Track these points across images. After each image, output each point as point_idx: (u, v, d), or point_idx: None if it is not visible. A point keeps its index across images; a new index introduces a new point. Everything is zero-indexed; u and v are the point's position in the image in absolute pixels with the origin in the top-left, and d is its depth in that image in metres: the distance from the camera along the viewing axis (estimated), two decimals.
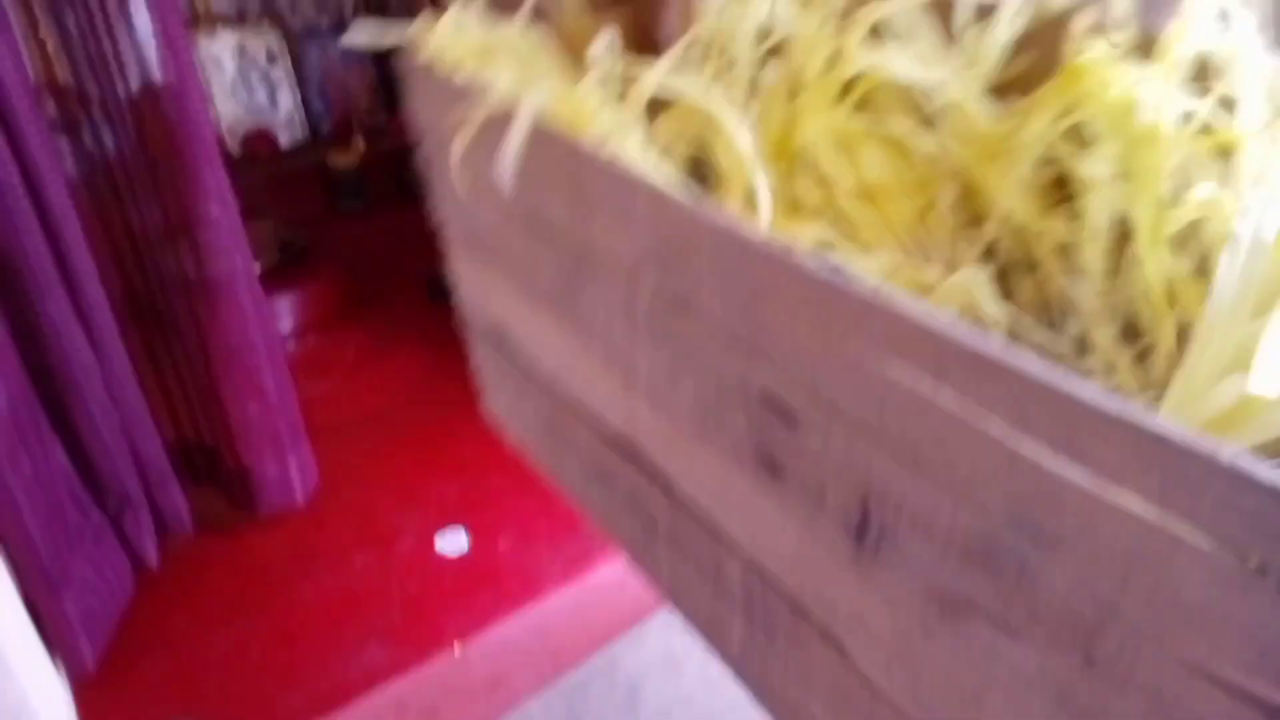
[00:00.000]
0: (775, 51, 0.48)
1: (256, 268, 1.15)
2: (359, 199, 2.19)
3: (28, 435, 0.95)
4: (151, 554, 1.15)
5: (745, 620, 0.48)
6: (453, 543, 1.25)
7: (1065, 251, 0.40)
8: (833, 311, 0.33)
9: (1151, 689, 0.26)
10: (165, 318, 1.15)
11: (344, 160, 2.16)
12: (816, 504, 0.38)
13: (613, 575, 1.22)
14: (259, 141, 2.20)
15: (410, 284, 1.98)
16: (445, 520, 1.28)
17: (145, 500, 1.14)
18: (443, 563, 1.22)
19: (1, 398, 0.90)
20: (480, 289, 0.68)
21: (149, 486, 1.15)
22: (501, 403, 0.72)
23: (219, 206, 1.04)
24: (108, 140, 1.03)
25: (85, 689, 1.00)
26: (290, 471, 1.21)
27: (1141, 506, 0.24)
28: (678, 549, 0.53)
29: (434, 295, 1.95)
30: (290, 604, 1.15)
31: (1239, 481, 0.22)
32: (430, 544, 1.25)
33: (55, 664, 0.97)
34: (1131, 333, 0.39)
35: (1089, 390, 0.25)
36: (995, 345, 0.28)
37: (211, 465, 1.22)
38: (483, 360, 0.71)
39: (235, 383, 1.15)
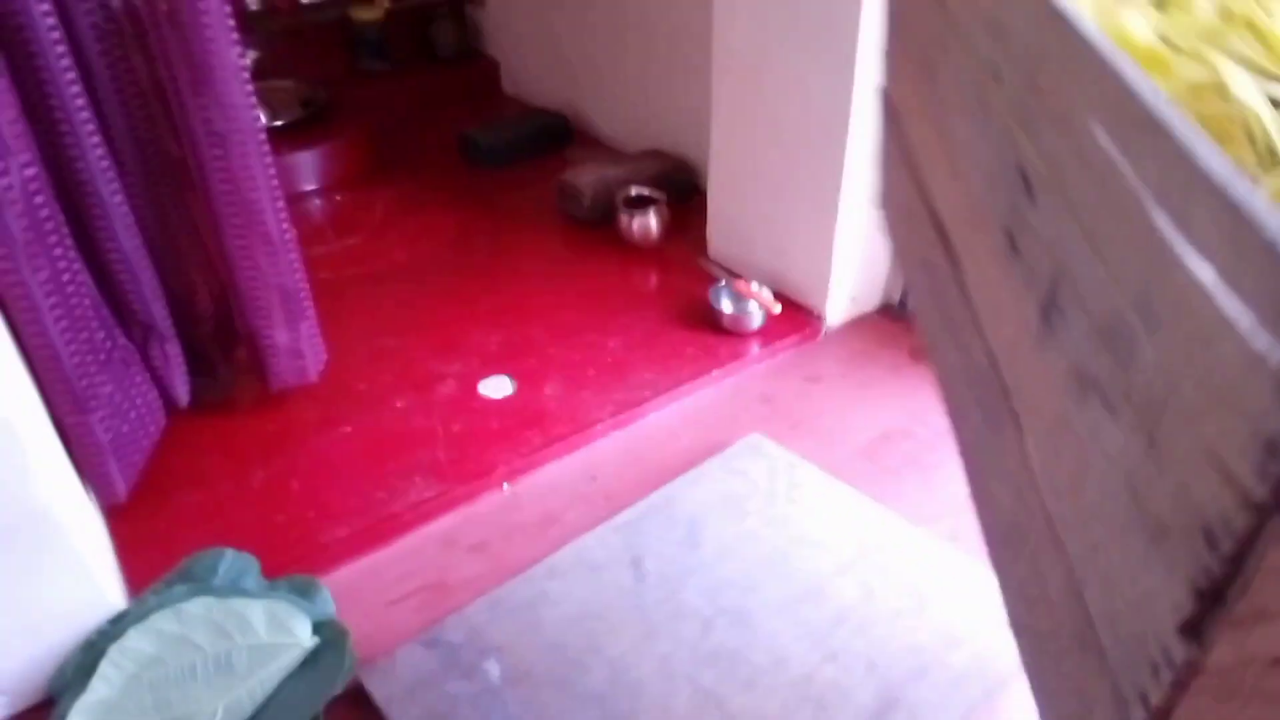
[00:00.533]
0: None
1: (263, 122, 1.03)
2: (382, 59, 2.07)
3: (49, 239, 0.88)
4: (182, 391, 1.09)
5: (979, 409, 0.50)
6: (496, 387, 1.19)
7: None
8: (1069, 71, 0.34)
9: (1179, 476, 0.27)
10: (182, 171, 1.06)
11: (367, 14, 2.03)
12: (1029, 282, 0.39)
13: (665, 421, 1.16)
14: None
15: (439, 144, 1.88)
16: (488, 370, 1.22)
17: (175, 336, 1.07)
18: (487, 404, 1.16)
19: (15, 183, 0.82)
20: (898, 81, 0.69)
21: (179, 326, 1.08)
22: (889, 199, 0.75)
23: (230, 59, 0.94)
24: None
25: (118, 517, 0.96)
26: (301, 343, 1.13)
27: (1213, 280, 0.24)
28: (955, 339, 0.54)
29: (465, 154, 1.86)
30: (330, 443, 1.10)
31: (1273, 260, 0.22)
32: (473, 389, 1.19)
33: (86, 489, 0.93)
34: None
35: (1211, 158, 0.25)
36: (1159, 103, 0.28)
37: (231, 329, 1.14)
38: (884, 148, 0.75)
39: (252, 248, 1.06)
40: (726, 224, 1.44)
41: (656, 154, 1.69)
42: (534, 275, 1.46)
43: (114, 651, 0.79)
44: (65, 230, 0.91)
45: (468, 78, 2.13)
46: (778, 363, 1.27)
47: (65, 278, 0.90)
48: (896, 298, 1.38)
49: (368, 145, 1.82)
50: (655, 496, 1.03)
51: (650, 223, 1.49)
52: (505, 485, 1.06)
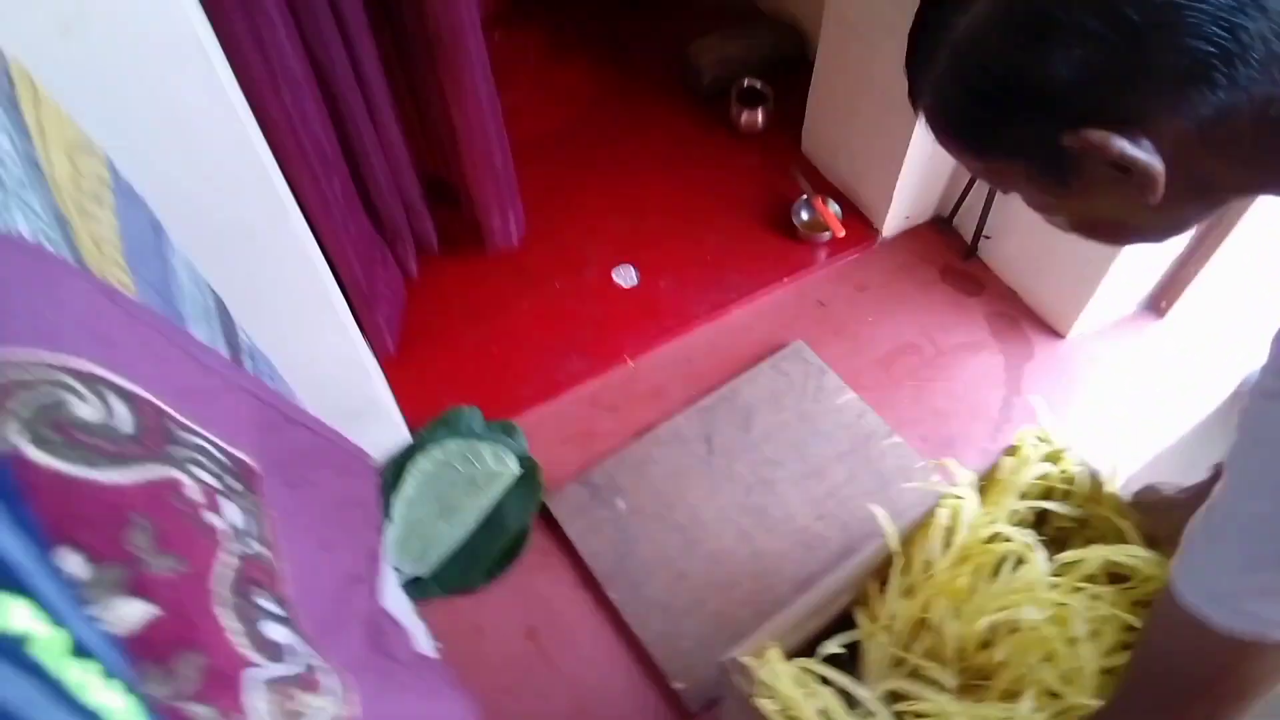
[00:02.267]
0: None
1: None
2: None
3: (332, 163, 1.28)
4: (413, 268, 1.57)
5: None
6: (625, 276, 1.64)
7: None
8: None
9: None
10: (412, 70, 1.40)
11: None
12: None
13: (743, 318, 1.61)
14: None
15: None
16: (619, 257, 1.65)
17: (408, 227, 1.53)
18: (619, 292, 1.62)
19: (317, 123, 1.21)
20: None
21: (410, 216, 1.52)
22: None
23: None
24: None
25: (389, 368, 1.50)
26: (509, 224, 1.57)
27: None
28: None
29: None
30: (515, 314, 1.59)
31: None
32: (609, 276, 1.64)
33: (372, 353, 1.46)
34: None
35: None
36: None
37: (453, 201, 1.57)
38: None
39: (472, 145, 1.44)
40: (818, 128, 1.74)
41: (772, 23, 1.90)
42: (657, 155, 1.81)
43: (411, 468, 1.38)
44: (339, 154, 1.30)
45: None
46: (836, 270, 1.67)
47: (346, 195, 1.33)
48: (946, 211, 1.71)
49: None
50: (724, 389, 1.52)
51: (758, 117, 1.78)
52: (630, 361, 1.56)
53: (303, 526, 0.53)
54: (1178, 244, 1.47)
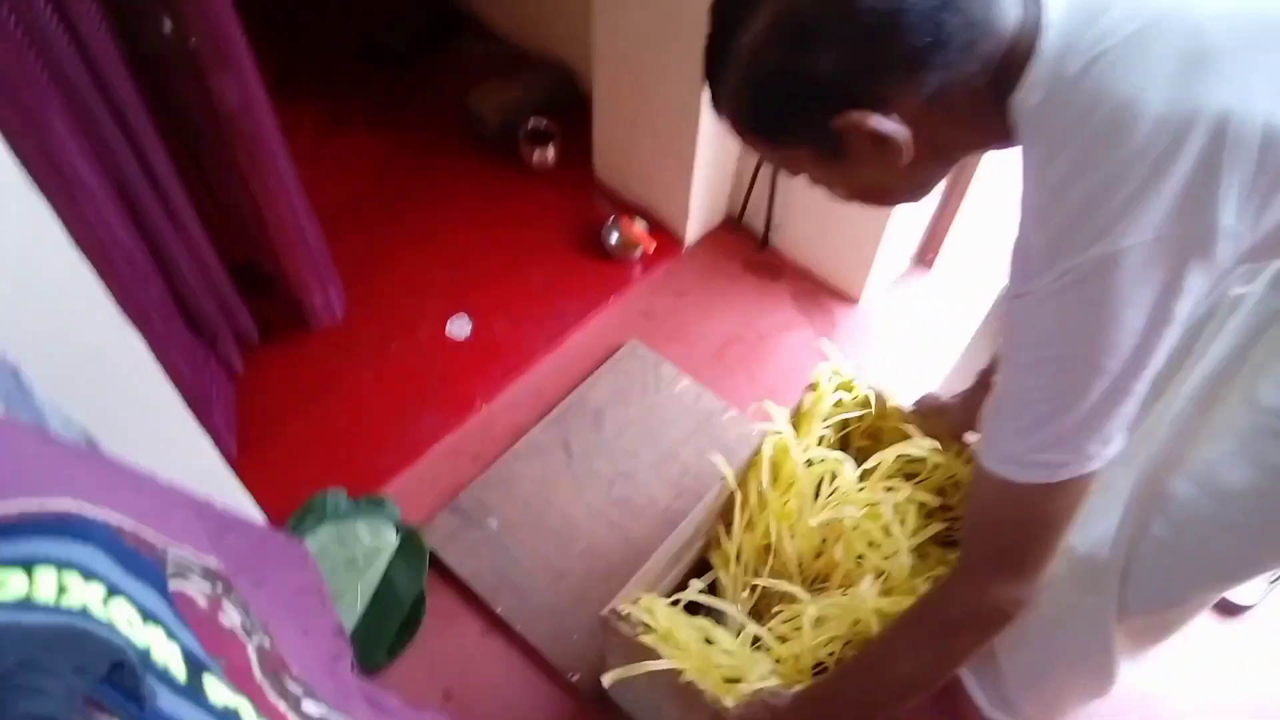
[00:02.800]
0: None
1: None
2: None
3: (144, 273, 1.22)
4: (238, 364, 1.51)
5: None
6: (460, 326, 1.67)
7: None
8: None
9: None
10: (205, 161, 1.36)
11: None
12: None
13: (580, 341, 1.69)
14: None
15: (341, 47, 2.07)
16: (450, 308, 1.68)
17: (225, 324, 1.47)
18: (456, 343, 1.65)
19: (123, 235, 1.15)
20: None
21: (225, 313, 1.47)
22: None
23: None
24: None
25: (236, 470, 1.43)
26: (330, 299, 1.55)
27: None
28: None
29: (371, 59, 2.05)
30: (356, 387, 1.57)
31: None
32: (443, 329, 1.66)
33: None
34: None
35: None
36: None
37: (268, 287, 1.53)
38: None
39: (280, 223, 1.42)
40: (608, 156, 1.85)
41: (544, 66, 1.99)
42: (461, 205, 1.85)
43: None
44: (150, 264, 1.25)
45: None
46: (654, 281, 1.79)
47: (159, 301, 1.27)
48: (737, 211, 1.87)
49: (273, 53, 1.99)
50: (572, 396, 1.59)
51: (549, 154, 1.87)
52: (483, 406, 1.59)
53: (279, 617, 0.55)
54: (930, 204, 1.71)
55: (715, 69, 0.67)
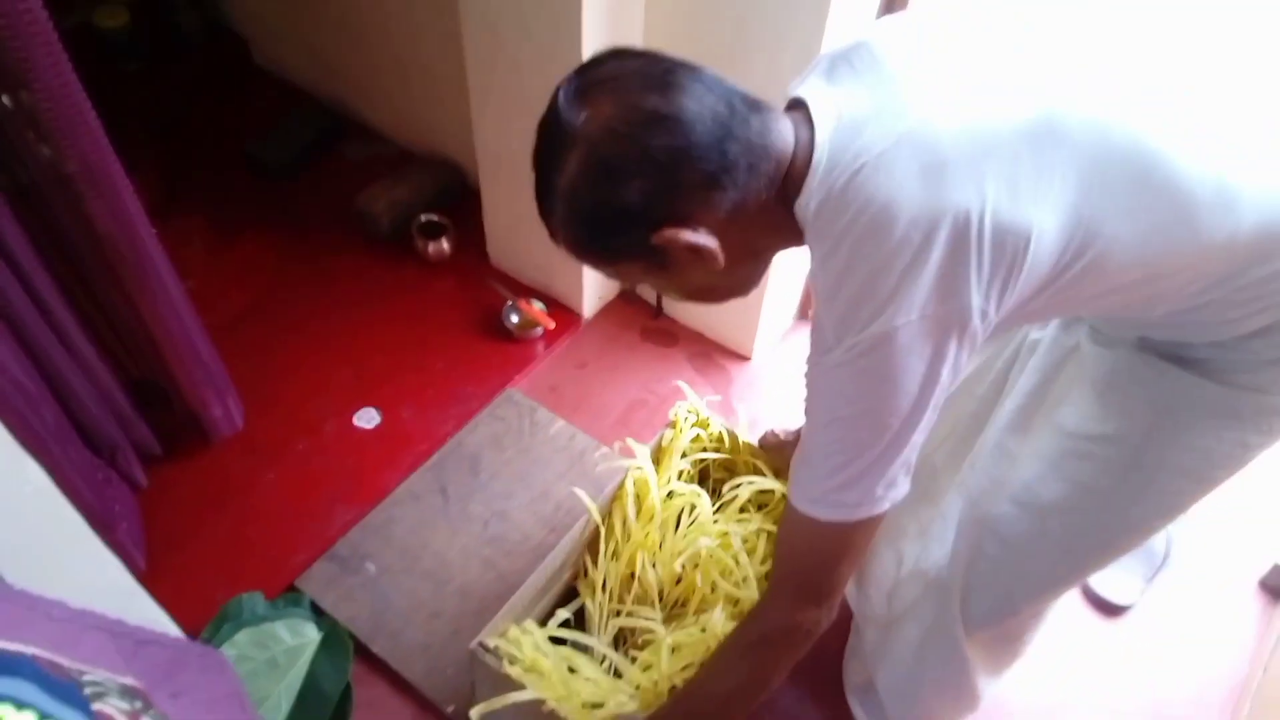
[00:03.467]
0: None
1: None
2: (134, 57, 2.18)
3: (37, 401, 1.22)
4: (141, 478, 1.50)
5: None
6: (367, 418, 1.69)
7: None
8: None
9: None
10: (91, 281, 1.37)
11: (111, 21, 2.10)
12: None
13: (465, 400, 1.73)
14: None
15: (226, 161, 2.11)
16: (355, 403, 1.70)
17: (125, 439, 1.46)
18: (364, 434, 1.67)
19: (13, 366, 1.15)
20: None
21: (124, 428, 1.46)
22: None
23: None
24: None
25: (147, 584, 1.41)
26: (229, 410, 1.56)
27: None
28: None
29: (256, 170, 2.10)
30: (262, 491, 1.57)
31: None
32: (350, 423, 1.68)
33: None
34: None
35: None
36: None
37: (165, 401, 1.53)
38: None
39: (170, 339, 1.44)
40: (501, 243, 1.93)
41: (431, 163, 2.08)
42: (359, 303, 1.89)
43: None
44: (44, 388, 1.25)
45: (220, 58, 2.29)
46: (555, 356, 1.86)
47: (54, 425, 1.27)
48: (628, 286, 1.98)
49: (157, 172, 2.03)
50: (450, 443, 1.66)
51: (444, 246, 1.94)
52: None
53: None
54: (804, 267, 1.84)
55: (544, 206, 0.77)
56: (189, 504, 1.54)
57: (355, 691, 1.34)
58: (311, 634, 1.39)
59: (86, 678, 0.49)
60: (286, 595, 1.44)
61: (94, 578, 1.15)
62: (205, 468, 1.59)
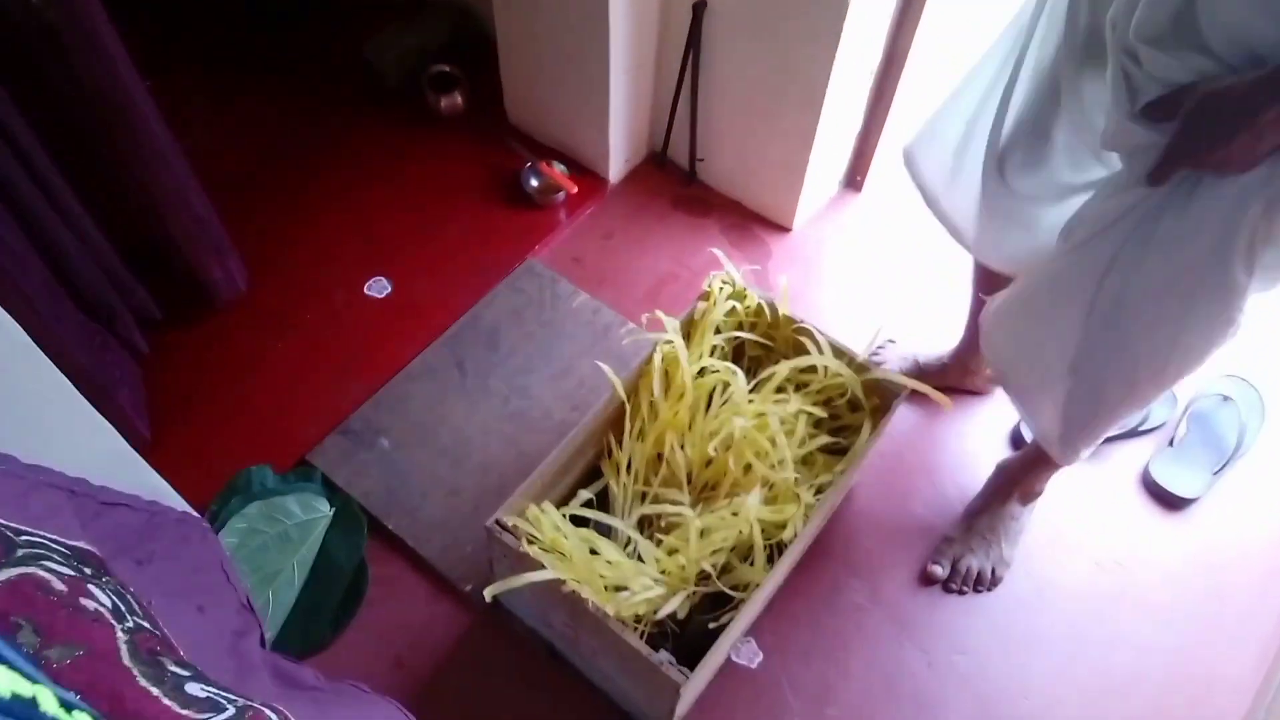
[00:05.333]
0: None
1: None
2: None
3: (21, 257, 1.12)
4: (141, 344, 1.42)
5: None
6: (378, 288, 1.59)
7: None
8: None
9: None
10: (82, 138, 1.26)
11: None
12: None
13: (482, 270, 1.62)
14: None
15: (226, 12, 1.94)
16: (366, 273, 1.60)
17: (122, 303, 1.37)
18: (376, 304, 1.57)
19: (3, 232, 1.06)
20: None
21: (121, 293, 1.37)
22: None
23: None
24: None
25: (150, 455, 1.35)
26: (230, 272, 1.46)
27: None
28: None
29: (257, 21, 1.93)
30: (273, 360, 1.49)
31: None
32: (361, 292, 1.58)
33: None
34: None
35: None
36: None
37: (165, 264, 1.43)
38: None
39: (165, 199, 1.32)
40: (519, 98, 1.77)
41: (442, 8, 1.89)
42: (367, 162, 1.76)
43: None
44: (27, 247, 1.16)
45: None
46: (579, 225, 1.73)
47: (42, 287, 1.18)
48: (659, 146, 1.82)
49: (156, 29, 1.86)
50: (466, 316, 1.55)
51: (457, 100, 1.78)
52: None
53: (169, 596, 0.50)
54: (853, 126, 1.68)
55: None
56: (194, 373, 1.46)
57: (370, 569, 1.29)
58: (324, 509, 1.33)
59: (24, 537, 0.41)
60: (297, 469, 1.37)
61: (87, 445, 1.08)
62: (210, 336, 1.50)
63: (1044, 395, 1.06)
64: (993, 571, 1.33)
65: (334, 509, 1.33)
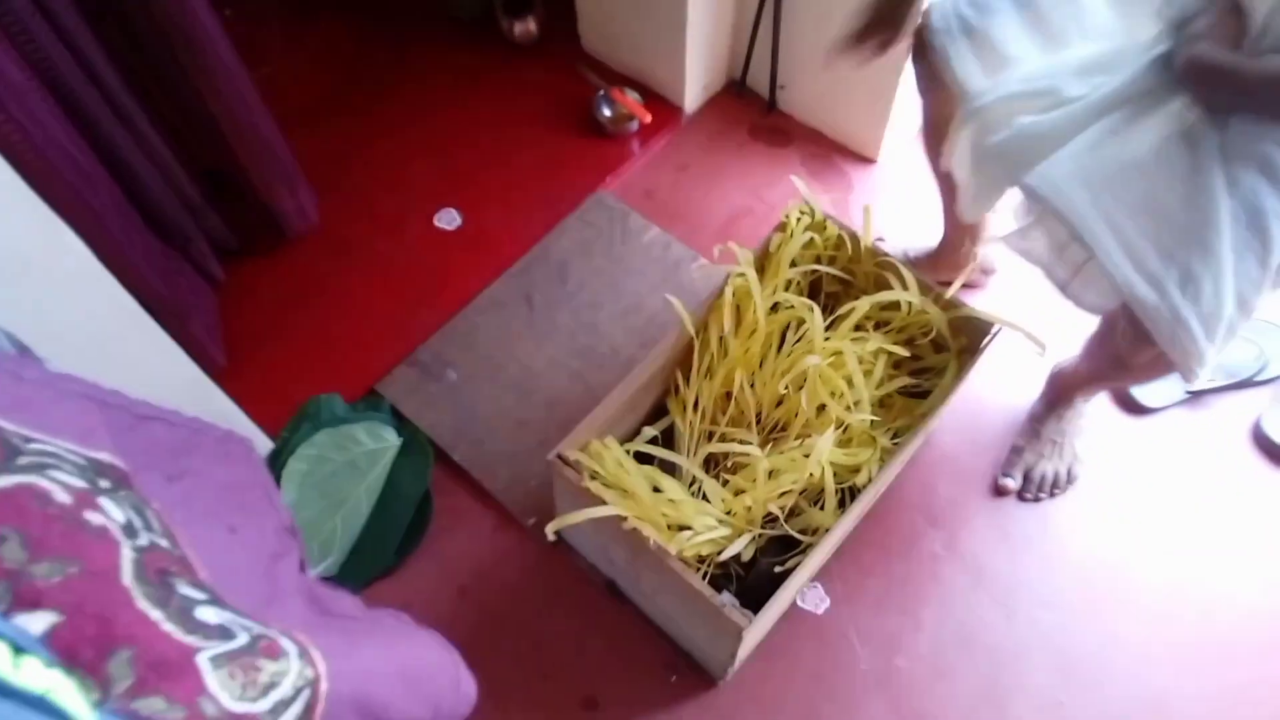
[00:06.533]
0: None
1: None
2: None
3: (91, 176, 1.13)
4: (217, 271, 1.43)
5: None
6: (448, 220, 1.57)
7: None
8: None
9: None
10: (154, 64, 1.26)
11: None
12: None
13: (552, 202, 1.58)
14: None
15: None
16: (435, 203, 1.57)
17: (197, 228, 1.39)
18: (446, 236, 1.55)
19: (59, 134, 1.06)
20: None
21: (196, 218, 1.38)
22: None
23: None
24: None
25: (225, 381, 1.37)
26: (301, 202, 1.45)
27: None
28: None
29: None
30: (344, 289, 1.49)
31: None
32: (431, 224, 1.56)
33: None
34: None
35: None
36: None
37: (237, 193, 1.44)
38: None
39: (235, 129, 1.32)
40: (594, 23, 1.70)
41: None
42: (439, 90, 1.72)
43: (285, 472, 1.28)
44: (102, 173, 1.17)
45: None
46: (652, 156, 1.66)
47: (115, 211, 1.18)
48: (738, 73, 1.73)
49: None
50: (535, 250, 1.52)
51: (530, 26, 1.73)
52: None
53: (200, 515, 0.48)
54: None
55: None
56: (267, 302, 1.48)
57: (435, 499, 1.30)
58: (391, 439, 1.34)
59: (34, 445, 0.39)
60: (366, 399, 1.38)
61: (157, 368, 1.09)
62: (284, 265, 1.51)
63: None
64: (1069, 472, 1.29)
65: (402, 439, 1.34)
